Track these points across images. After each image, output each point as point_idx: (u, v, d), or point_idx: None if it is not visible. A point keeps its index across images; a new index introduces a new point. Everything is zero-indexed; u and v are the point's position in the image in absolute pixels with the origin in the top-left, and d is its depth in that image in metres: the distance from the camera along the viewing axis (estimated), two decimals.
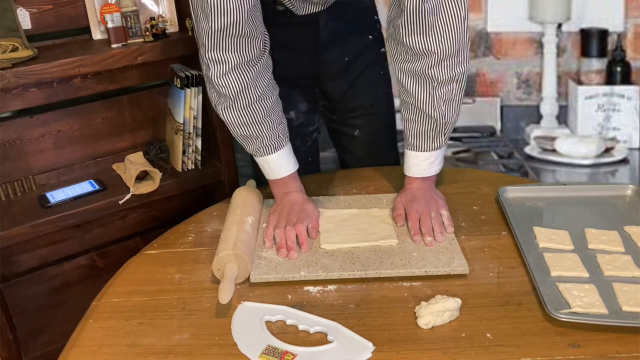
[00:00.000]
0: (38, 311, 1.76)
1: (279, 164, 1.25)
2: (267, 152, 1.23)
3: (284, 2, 1.25)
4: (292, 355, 0.89)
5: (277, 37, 1.25)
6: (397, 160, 1.59)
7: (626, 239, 1.11)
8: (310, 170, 1.53)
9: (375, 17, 1.49)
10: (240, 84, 1.15)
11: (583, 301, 0.93)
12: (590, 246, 1.09)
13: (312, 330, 0.93)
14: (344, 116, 1.53)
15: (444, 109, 1.20)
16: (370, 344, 0.89)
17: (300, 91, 1.46)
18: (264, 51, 1.19)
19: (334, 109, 1.53)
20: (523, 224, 1.15)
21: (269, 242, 1.14)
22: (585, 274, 1.01)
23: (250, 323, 0.96)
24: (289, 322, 0.95)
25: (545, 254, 1.06)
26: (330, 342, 0.91)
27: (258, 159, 1.26)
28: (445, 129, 1.23)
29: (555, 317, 0.90)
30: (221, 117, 1.21)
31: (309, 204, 1.23)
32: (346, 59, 1.44)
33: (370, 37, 1.47)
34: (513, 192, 1.27)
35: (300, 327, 0.94)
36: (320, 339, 0.92)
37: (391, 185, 1.36)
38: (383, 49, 1.51)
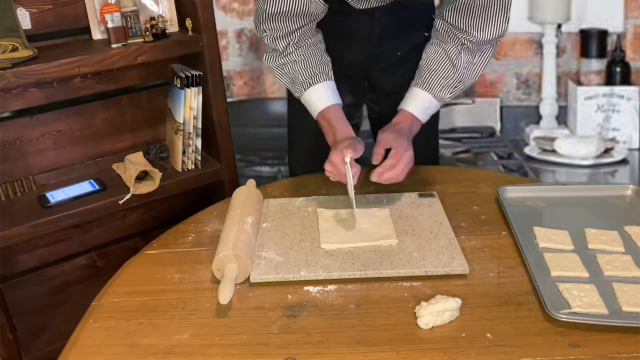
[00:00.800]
0: (38, 311, 1.76)
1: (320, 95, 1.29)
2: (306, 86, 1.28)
3: None
4: None
5: (331, 26, 1.27)
6: (435, 160, 1.60)
7: (626, 239, 1.11)
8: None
9: (432, 15, 1.47)
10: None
11: (583, 301, 0.93)
12: (590, 246, 1.09)
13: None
14: (387, 109, 1.52)
15: (470, 68, 1.28)
16: None
17: (349, 83, 1.46)
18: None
19: (380, 101, 1.55)
20: (523, 224, 1.15)
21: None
22: (585, 274, 1.01)
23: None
24: None
25: (545, 254, 1.06)
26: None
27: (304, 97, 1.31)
28: (457, 86, 1.28)
29: (555, 317, 0.90)
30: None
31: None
32: (399, 53, 1.44)
33: (426, 34, 1.45)
34: (513, 192, 1.27)
35: None
36: None
37: (391, 185, 1.36)
38: None
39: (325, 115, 1.29)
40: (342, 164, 1.16)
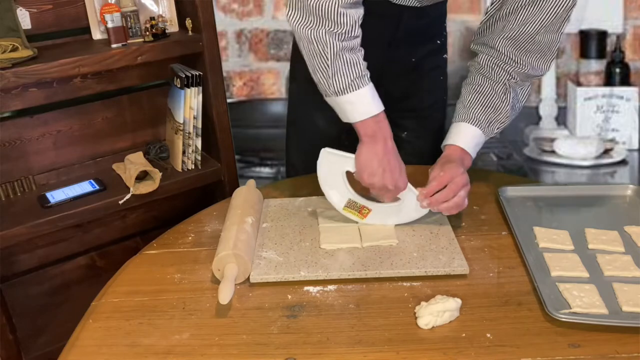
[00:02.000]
0: (38, 311, 1.76)
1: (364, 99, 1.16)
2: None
3: None
4: (368, 209, 1.14)
5: None
6: None
7: (626, 239, 1.11)
8: None
9: (444, 24, 1.49)
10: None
11: (583, 301, 0.93)
12: (590, 246, 1.09)
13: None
14: (395, 116, 1.51)
15: (515, 104, 1.25)
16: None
17: None
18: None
19: (388, 107, 1.52)
20: (523, 224, 1.15)
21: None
22: (586, 274, 1.01)
23: (334, 176, 1.15)
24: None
25: (545, 254, 1.06)
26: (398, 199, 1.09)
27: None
28: (504, 122, 1.24)
29: (555, 317, 0.90)
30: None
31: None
32: (413, 60, 1.43)
33: (439, 42, 1.46)
34: (513, 192, 1.27)
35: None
36: None
37: None
38: (446, 55, 1.51)
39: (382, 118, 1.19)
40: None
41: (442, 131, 1.57)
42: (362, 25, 1.29)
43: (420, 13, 1.34)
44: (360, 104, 1.15)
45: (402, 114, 1.51)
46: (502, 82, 1.23)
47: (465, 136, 1.22)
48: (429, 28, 1.42)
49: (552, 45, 1.20)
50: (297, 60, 1.50)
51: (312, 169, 1.41)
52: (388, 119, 1.54)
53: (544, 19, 1.15)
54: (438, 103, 1.53)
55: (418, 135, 1.53)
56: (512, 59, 1.21)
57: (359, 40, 1.15)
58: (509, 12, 1.18)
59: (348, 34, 1.11)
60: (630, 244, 1.10)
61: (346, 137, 1.50)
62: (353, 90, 1.13)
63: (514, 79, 1.23)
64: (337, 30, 1.10)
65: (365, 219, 1.17)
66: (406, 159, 1.51)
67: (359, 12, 1.12)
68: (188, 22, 1.62)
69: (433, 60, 1.48)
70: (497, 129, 1.24)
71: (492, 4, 1.24)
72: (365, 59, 1.38)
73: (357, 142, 1.54)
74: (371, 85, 1.15)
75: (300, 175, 1.49)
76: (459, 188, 1.13)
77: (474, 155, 1.23)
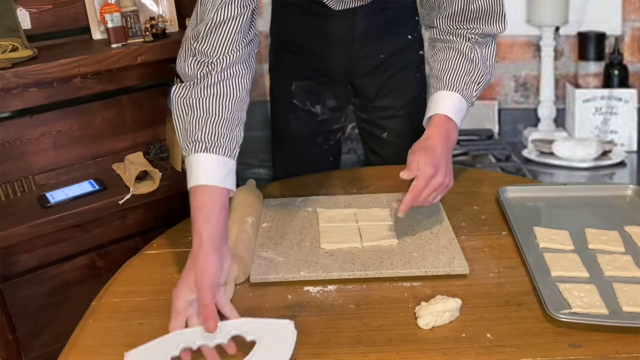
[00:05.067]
0: (38, 311, 1.76)
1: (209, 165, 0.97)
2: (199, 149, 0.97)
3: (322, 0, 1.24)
4: None
5: (313, 27, 1.23)
6: None
7: (626, 239, 1.11)
8: (330, 169, 1.52)
9: (416, 17, 1.46)
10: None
11: (583, 301, 0.93)
12: (590, 246, 1.09)
13: (226, 340, 0.86)
14: (373, 116, 1.51)
15: (484, 62, 1.19)
16: (287, 321, 0.88)
17: (331, 86, 1.45)
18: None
19: (365, 107, 1.51)
20: (523, 224, 1.15)
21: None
22: (586, 274, 1.01)
23: None
24: (197, 344, 0.85)
25: (545, 254, 1.06)
26: (252, 341, 0.86)
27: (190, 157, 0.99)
28: (480, 81, 1.18)
29: (555, 317, 0.90)
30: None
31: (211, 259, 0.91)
32: (382, 56, 1.42)
33: (410, 37, 1.44)
34: (513, 192, 1.27)
35: (212, 344, 0.86)
36: (242, 345, 0.87)
37: (391, 185, 1.36)
38: (422, 52, 1.49)
39: (216, 197, 0.95)
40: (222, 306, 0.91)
41: (423, 130, 1.57)
42: (323, 27, 1.29)
43: (375, 8, 1.32)
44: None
45: (378, 113, 1.50)
46: (463, 43, 1.19)
47: (443, 103, 1.14)
48: (394, 23, 1.39)
49: (492, 6, 1.16)
50: (272, 72, 1.51)
51: (293, 172, 1.39)
52: (365, 120, 1.54)
53: None
54: (416, 100, 1.50)
55: (399, 135, 1.52)
56: (462, 27, 1.18)
57: None
58: None
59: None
60: (630, 244, 1.10)
61: (323, 140, 1.51)
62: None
63: (473, 38, 1.19)
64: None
65: None
66: (389, 160, 1.51)
67: None
68: (188, 22, 1.61)
69: (405, 57, 1.45)
70: (475, 90, 1.18)
71: None
72: (330, 57, 1.36)
73: (335, 144, 1.54)
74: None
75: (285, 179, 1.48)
76: (433, 192, 1.08)
77: (458, 122, 1.15)
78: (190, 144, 0.98)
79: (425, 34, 1.29)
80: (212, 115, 0.99)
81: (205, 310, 0.87)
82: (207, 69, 1.02)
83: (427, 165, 1.07)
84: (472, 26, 1.18)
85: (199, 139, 0.97)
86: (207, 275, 0.89)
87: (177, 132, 1.03)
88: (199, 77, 1.02)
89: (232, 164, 1.00)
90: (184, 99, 1.02)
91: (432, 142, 1.11)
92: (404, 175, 1.07)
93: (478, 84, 1.18)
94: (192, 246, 0.93)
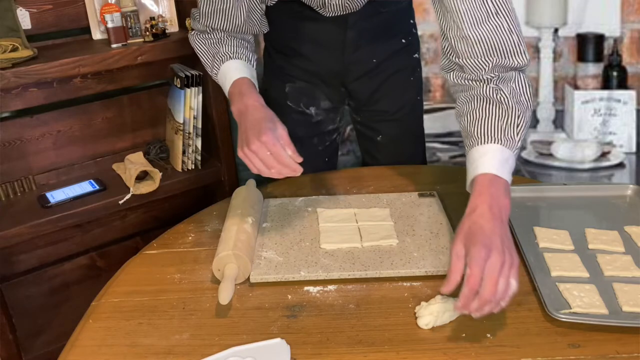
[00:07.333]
0: (38, 311, 1.76)
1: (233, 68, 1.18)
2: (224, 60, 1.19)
3: (312, 6, 1.24)
4: None
5: (305, 32, 1.24)
6: (423, 162, 1.56)
7: (626, 239, 1.11)
8: (326, 170, 1.51)
9: (411, 21, 1.45)
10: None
11: (583, 301, 0.93)
12: (590, 246, 1.09)
13: None
14: (368, 119, 1.50)
15: (515, 97, 1.02)
16: (278, 339, 0.88)
17: (324, 88, 1.45)
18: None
19: (359, 111, 1.50)
20: (523, 224, 1.15)
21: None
22: (586, 274, 1.01)
23: None
24: None
25: (545, 254, 1.06)
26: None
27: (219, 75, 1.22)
28: (519, 123, 1.00)
29: (555, 317, 0.90)
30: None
31: (272, 119, 1.09)
32: (374, 60, 1.41)
33: (404, 40, 1.43)
34: (513, 192, 1.26)
35: None
36: None
37: (391, 185, 1.36)
38: (417, 55, 1.47)
39: (239, 83, 1.16)
40: (280, 148, 1.01)
41: (419, 133, 1.56)
42: (314, 32, 1.29)
43: (368, 13, 1.32)
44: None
45: (373, 117, 1.50)
46: (484, 87, 1.04)
47: (482, 160, 0.98)
48: (387, 27, 1.38)
49: (505, 41, 1.02)
50: (266, 74, 1.51)
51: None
52: (361, 122, 1.53)
53: (468, 16, 1.01)
54: (409, 105, 1.49)
55: (393, 139, 1.51)
56: (476, 66, 1.04)
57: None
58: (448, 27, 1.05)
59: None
60: (630, 244, 1.10)
61: (318, 141, 1.51)
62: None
63: (493, 77, 1.04)
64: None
65: None
66: (384, 162, 1.51)
67: None
68: (188, 22, 1.62)
69: (399, 61, 1.44)
70: (517, 134, 1.00)
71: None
72: (323, 60, 1.37)
73: (331, 145, 1.53)
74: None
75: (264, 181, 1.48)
76: (496, 277, 0.84)
77: (507, 177, 0.97)
78: (217, 61, 1.21)
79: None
80: (226, 39, 1.23)
81: (275, 148, 1.01)
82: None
83: (476, 246, 0.86)
84: (487, 62, 1.03)
85: (224, 53, 1.21)
86: (262, 122, 1.06)
87: (203, 62, 1.26)
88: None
89: (252, 68, 1.22)
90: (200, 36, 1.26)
91: (476, 218, 0.92)
92: (445, 289, 0.87)
93: (517, 126, 1.00)
94: (238, 111, 1.13)
